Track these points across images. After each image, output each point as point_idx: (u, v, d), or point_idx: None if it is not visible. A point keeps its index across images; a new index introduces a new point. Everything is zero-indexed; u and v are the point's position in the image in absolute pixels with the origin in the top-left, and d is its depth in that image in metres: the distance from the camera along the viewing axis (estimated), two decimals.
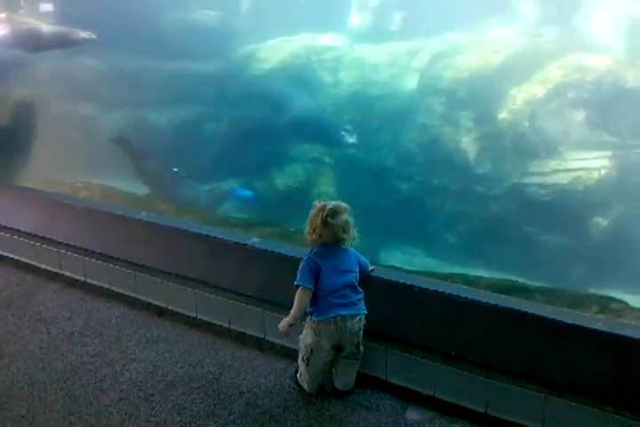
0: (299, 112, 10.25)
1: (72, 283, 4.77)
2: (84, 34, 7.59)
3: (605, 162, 8.20)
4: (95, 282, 4.67)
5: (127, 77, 10.37)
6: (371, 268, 3.50)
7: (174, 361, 3.75)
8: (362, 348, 3.32)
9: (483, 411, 3.18)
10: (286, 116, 10.16)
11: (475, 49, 9.66)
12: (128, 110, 10.30)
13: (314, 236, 3.26)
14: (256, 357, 3.78)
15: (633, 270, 7.20)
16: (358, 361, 3.36)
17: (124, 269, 4.48)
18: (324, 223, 3.21)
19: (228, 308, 3.98)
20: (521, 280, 5.00)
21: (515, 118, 8.72)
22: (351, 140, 9.85)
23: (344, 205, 3.31)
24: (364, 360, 3.39)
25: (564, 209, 8.07)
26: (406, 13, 11.09)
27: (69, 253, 4.79)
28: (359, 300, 3.26)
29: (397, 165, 9.50)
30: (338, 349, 3.28)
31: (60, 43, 7.62)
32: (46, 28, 7.51)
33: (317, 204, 3.29)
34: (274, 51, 11.27)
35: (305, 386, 3.42)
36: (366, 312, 3.27)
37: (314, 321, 3.23)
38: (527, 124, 8.66)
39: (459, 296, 3.23)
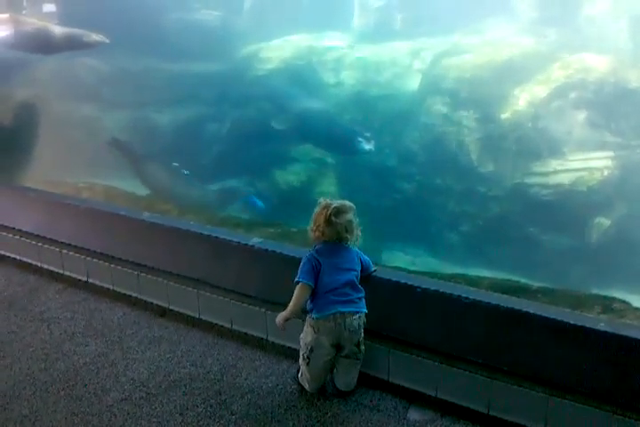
0: (312, 117, 10.00)
1: (74, 283, 4.78)
2: (96, 37, 7.56)
3: (608, 162, 8.18)
4: (97, 282, 4.68)
5: (129, 78, 10.37)
6: (373, 268, 3.50)
7: (176, 361, 3.76)
8: (362, 347, 3.32)
9: (485, 411, 3.18)
10: (297, 121, 10.01)
11: (477, 49, 9.64)
12: (130, 111, 10.29)
13: (317, 233, 3.28)
14: (258, 357, 3.78)
15: (636, 271, 7.18)
16: (359, 361, 3.36)
17: (126, 269, 4.49)
18: (328, 222, 3.22)
19: (231, 308, 3.99)
20: (523, 280, 4.99)
21: (517, 118, 8.70)
22: (368, 147, 9.32)
23: (349, 203, 3.31)
24: (366, 360, 3.39)
25: (567, 209, 8.05)
26: (409, 14, 11.08)
27: (72, 253, 4.80)
28: (359, 298, 3.26)
29: (399, 164, 9.49)
30: (338, 347, 3.28)
31: (73, 45, 7.58)
32: (58, 29, 7.47)
33: (322, 201, 3.30)
34: (277, 50, 11.26)
35: (306, 385, 3.42)
36: (366, 311, 3.27)
37: (313, 318, 3.24)
38: (530, 125, 8.65)
39: (461, 296, 3.23)
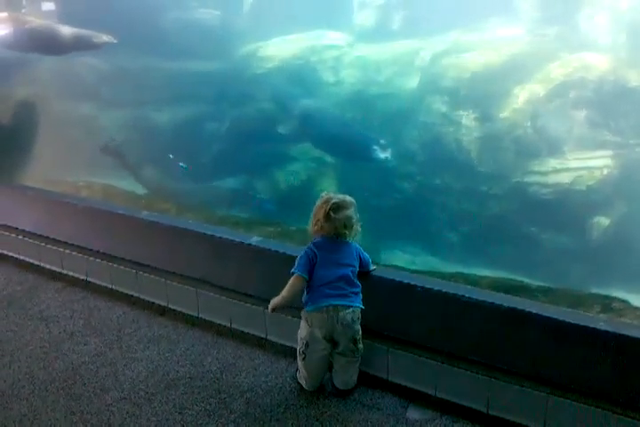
0: (323, 122, 9.81)
1: (74, 282, 4.78)
2: (105, 37, 7.55)
3: (607, 161, 8.17)
4: (97, 281, 4.68)
5: (128, 76, 10.36)
6: (373, 267, 3.50)
7: (175, 360, 3.75)
8: (360, 346, 3.31)
9: (484, 410, 3.18)
10: (308, 126, 9.87)
11: (477, 48, 9.64)
12: (129, 110, 10.29)
13: (316, 227, 3.31)
14: (257, 356, 3.78)
15: (635, 270, 7.18)
16: (357, 359, 3.35)
17: (125, 268, 4.49)
18: (327, 217, 3.24)
19: (230, 307, 3.98)
20: (523, 279, 4.99)
21: (517, 117, 8.71)
22: (383, 155, 8.94)
23: (349, 199, 3.32)
24: (365, 359, 3.39)
25: (566, 208, 8.05)
26: (409, 12, 11.08)
27: (71, 252, 4.79)
28: (354, 293, 3.26)
29: (399, 163, 9.48)
30: (333, 342, 3.28)
31: (82, 46, 7.57)
32: (67, 30, 7.46)
33: (324, 195, 3.33)
34: (276, 49, 11.26)
35: (303, 383, 3.42)
36: (362, 307, 3.27)
37: (307, 311, 3.26)
38: (529, 124, 8.65)
39: (460, 295, 3.23)
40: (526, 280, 4.99)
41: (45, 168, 7.42)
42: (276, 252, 3.79)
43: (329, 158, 10.01)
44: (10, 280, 4.87)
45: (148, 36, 10.36)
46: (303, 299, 3.29)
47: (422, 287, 3.34)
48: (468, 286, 3.51)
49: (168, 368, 3.67)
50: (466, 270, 6.04)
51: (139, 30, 10.16)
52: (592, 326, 2.91)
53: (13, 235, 5.18)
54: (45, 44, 7.29)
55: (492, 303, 3.15)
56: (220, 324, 4.07)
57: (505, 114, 8.80)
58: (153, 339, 4.00)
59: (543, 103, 8.70)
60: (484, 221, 8.61)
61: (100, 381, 3.56)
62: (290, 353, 3.67)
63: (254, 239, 3.98)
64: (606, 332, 2.86)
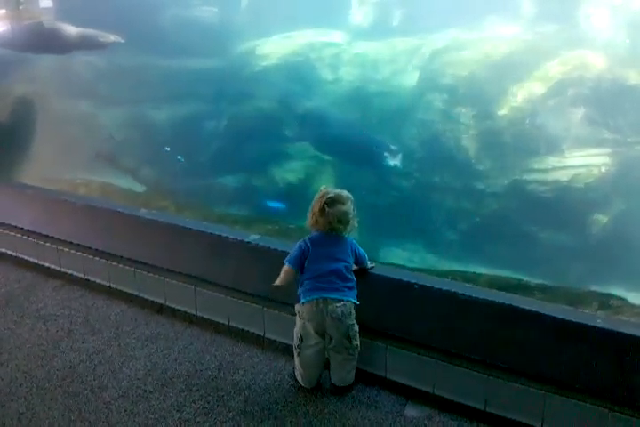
0: (328, 124, 9.64)
1: (72, 280, 4.78)
2: (112, 37, 7.54)
3: (606, 159, 8.18)
4: (95, 279, 4.68)
5: (126, 74, 10.34)
6: (371, 265, 3.50)
7: (173, 358, 3.75)
8: (355, 343, 3.30)
9: (482, 408, 3.18)
10: (315, 130, 9.78)
11: (476, 46, 9.64)
12: (127, 107, 10.28)
13: (311, 221, 3.34)
14: (255, 354, 3.78)
15: (633, 268, 7.19)
16: (353, 357, 3.35)
17: (123, 266, 4.48)
18: (321, 211, 3.26)
19: (228, 305, 3.98)
20: (521, 277, 5.00)
21: (515, 115, 8.70)
22: (393, 162, 8.63)
23: (346, 194, 3.33)
24: (363, 357, 3.39)
25: (565, 206, 8.05)
26: (407, 9, 11.07)
27: (69, 250, 4.79)
28: (346, 287, 3.26)
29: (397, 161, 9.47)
30: (325, 336, 3.27)
31: (88, 45, 7.55)
32: (73, 29, 7.43)
33: (322, 189, 3.35)
34: (274, 47, 11.24)
35: (299, 379, 3.42)
36: (355, 302, 3.26)
37: (300, 304, 3.28)
38: (527, 121, 8.65)
39: (458, 293, 3.23)
40: (525, 278, 5.00)
41: (43, 166, 7.41)
42: (275, 250, 3.78)
43: (327, 157, 10.00)
44: (8, 278, 4.87)
45: (146, 34, 10.32)
46: (298, 293, 3.31)
47: (421, 285, 3.34)
48: (467, 284, 3.51)
49: (166, 366, 3.67)
50: (464, 268, 6.05)
51: (137, 28, 10.13)
52: (590, 323, 2.92)
53: (12, 233, 5.17)
54: (50, 43, 7.28)
55: (491, 301, 3.15)
56: (218, 322, 4.07)
57: (503, 112, 8.80)
58: (151, 337, 3.99)
59: (542, 101, 8.69)
60: (482, 218, 8.61)
61: (98, 379, 3.56)
62: (288, 351, 3.67)
63: (253, 237, 3.98)
64: (604, 329, 2.87)
